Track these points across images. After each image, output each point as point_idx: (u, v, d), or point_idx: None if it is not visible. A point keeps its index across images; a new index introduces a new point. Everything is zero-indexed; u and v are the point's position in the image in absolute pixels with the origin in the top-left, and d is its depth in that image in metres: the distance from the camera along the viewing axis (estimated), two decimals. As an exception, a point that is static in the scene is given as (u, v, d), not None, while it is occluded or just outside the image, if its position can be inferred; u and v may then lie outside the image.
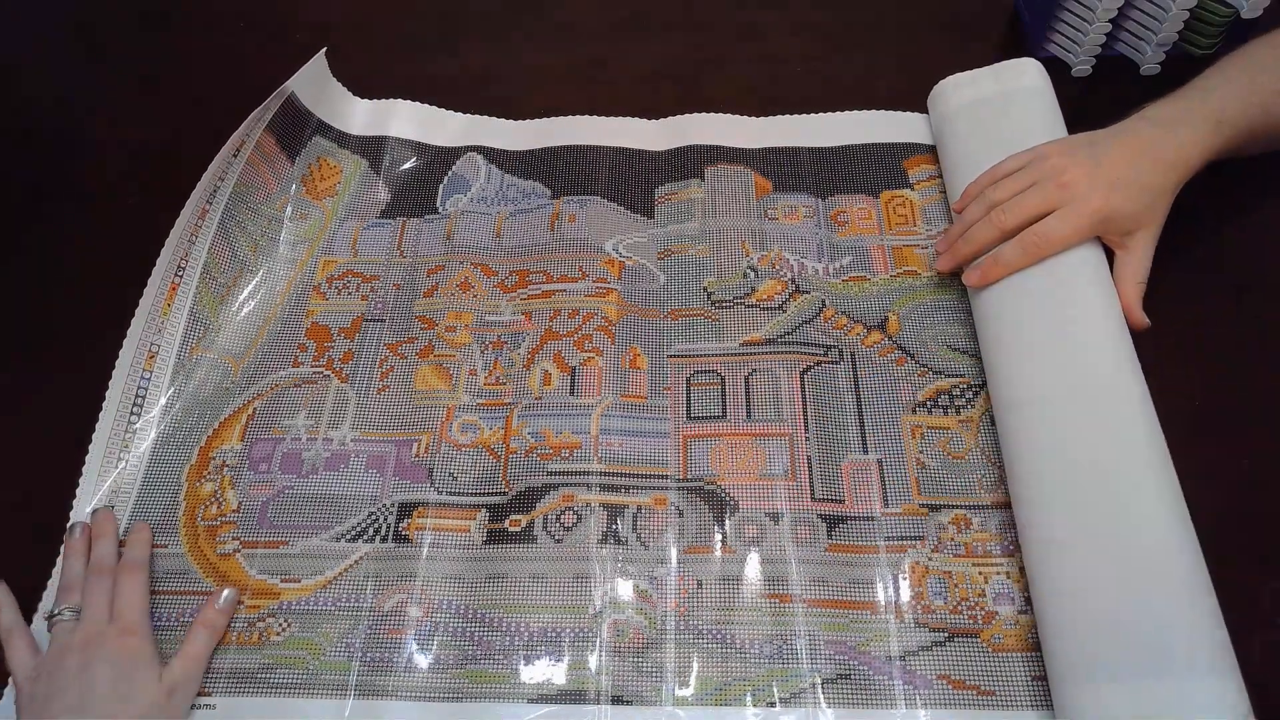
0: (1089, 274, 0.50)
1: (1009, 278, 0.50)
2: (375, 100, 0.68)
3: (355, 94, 0.68)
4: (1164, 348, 0.51)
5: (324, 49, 0.66)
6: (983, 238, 0.52)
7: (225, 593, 0.47)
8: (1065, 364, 0.47)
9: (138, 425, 0.53)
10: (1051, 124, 0.57)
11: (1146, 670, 0.39)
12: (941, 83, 0.61)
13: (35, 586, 0.48)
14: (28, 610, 0.47)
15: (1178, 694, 0.38)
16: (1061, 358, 0.47)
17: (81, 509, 0.50)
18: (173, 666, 0.44)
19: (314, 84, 0.65)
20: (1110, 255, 0.51)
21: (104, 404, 0.53)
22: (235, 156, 0.59)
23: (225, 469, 0.52)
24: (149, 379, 0.54)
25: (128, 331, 0.55)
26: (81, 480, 0.51)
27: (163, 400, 0.54)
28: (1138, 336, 0.49)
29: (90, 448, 0.51)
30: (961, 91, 0.60)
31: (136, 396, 0.53)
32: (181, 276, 0.57)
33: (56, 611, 0.45)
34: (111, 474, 0.51)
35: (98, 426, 0.52)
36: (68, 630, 0.44)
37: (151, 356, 0.54)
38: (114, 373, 0.53)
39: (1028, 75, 0.59)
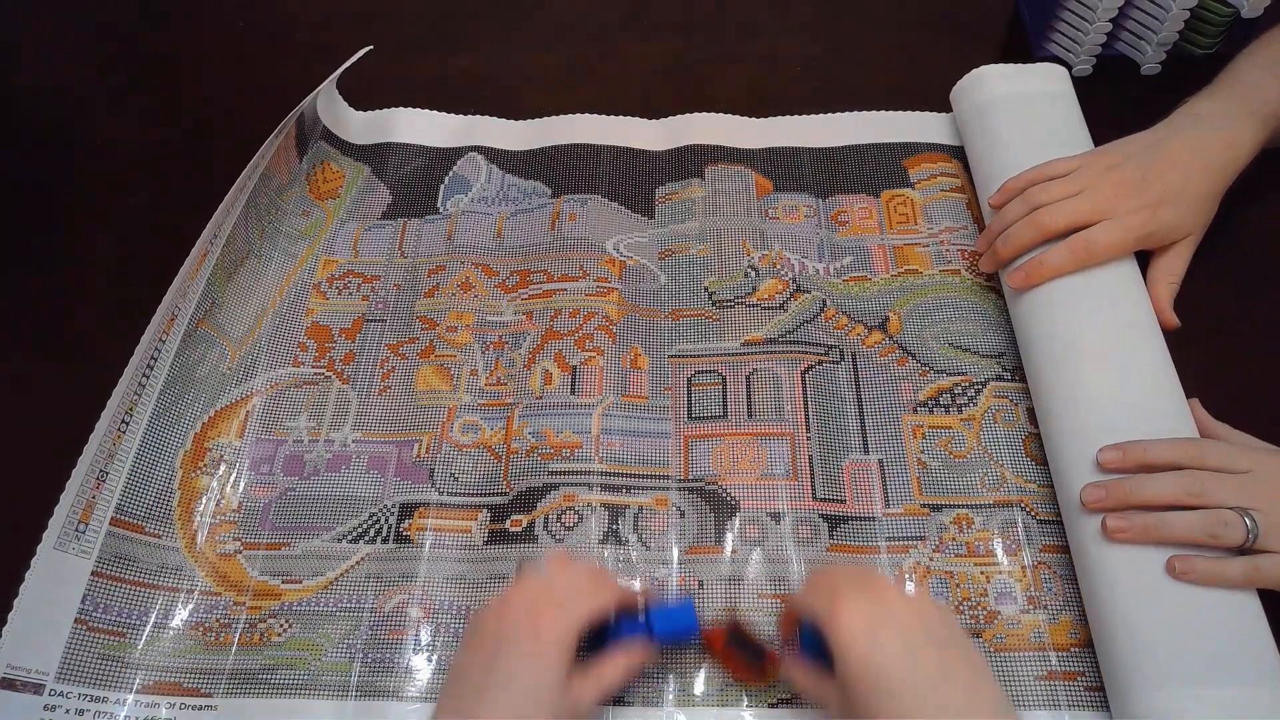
0: (1125, 275, 0.50)
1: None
2: (373, 111, 0.68)
3: (356, 94, 0.68)
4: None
5: (369, 48, 0.64)
6: (1024, 238, 0.51)
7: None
8: (1110, 367, 0.47)
9: (144, 390, 0.52)
10: (1083, 134, 0.57)
11: (1204, 676, 0.39)
12: (974, 72, 0.61)
13: (12, 583, 0.45)
14: (8, 606, 0.45)
15: (1240, 701, 0.38)
16: (1106, 360, 0.47)
17: (81, 469, 0.48)
18: (585, 690, 0.40)
19: (324, 91, 0.65)
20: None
21: (128, 364, 0.51)
22: (278, 138, 0.59)
23: (222, 463, 0.52)
24: (164, 343, 0.53)
25: (168, 291, 0.53)
26: (89, 440, 0.48)
27: (167, 370, 0.53)
28: (1178, 334, 0.49)
29: (107, 405, 0.49)
30: (997, 84, 0.59)
31: (151, 360, 0.52)
32: (213, 245, 0.56)
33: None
34: (111, 441, 0.50)
35: (117, 386, 0.50)
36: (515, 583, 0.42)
37: (172, 320, 0.53)
38: (148, 329, 0.52)
39: (1061, 80, 0.60)
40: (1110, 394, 0.46)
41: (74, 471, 0.47)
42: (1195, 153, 0.51)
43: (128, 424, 0.51)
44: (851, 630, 0.36)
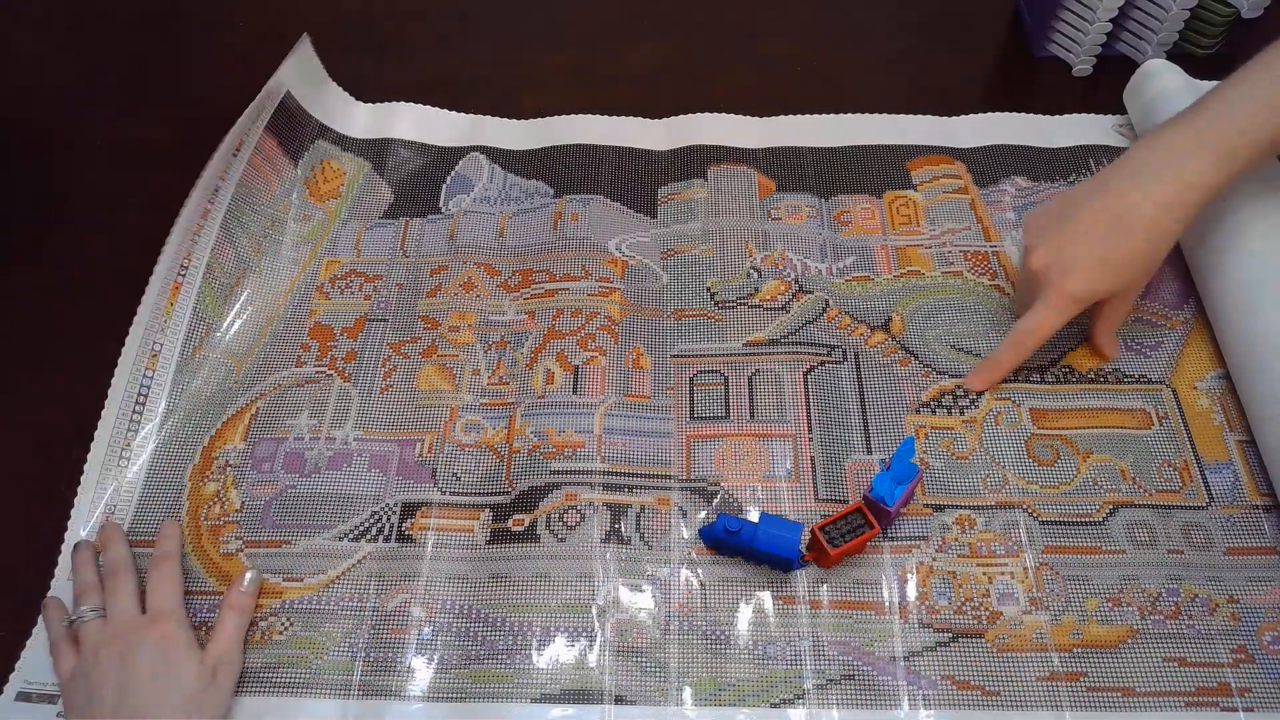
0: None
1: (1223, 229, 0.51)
2: (376, 104, 0.68)
3: (357, 94, 0.68)
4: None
5: (304, 35, 0.65)
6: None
7: (248, 575, 0.47)
8: None
9: (140, 426, 0.53)
10: None
11: None
12: (1154, 63, 0.60)
13: (33, 598, 0.47)
14: (31, 622, 0.47)
15: None
16: None
17: (82, 512, 0.50)
18: (210, 647, 0.44)
19: (309, 84, 0.65)
20: None
21: (105, 405, 0.52)
22: (235, 156, 0.59)
23: (228, 468, 0.52)
24: (151, 379, 0.54)
25: (130, 331, 0.54)
26: (82, 480, 0.50)
27: (164, 401, 0.54)
28: None
29: (92, 447, 0.51)
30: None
31: (139, 397, 0.53)
32: (184, 275, 0.56)
33: (77, 616, 0.45)
34: (113, 476, 0.51)
35: (99, 428, 0.52)
36: (97, 630, 0.44)
37: (154, 356, 0.54)
38: (115, 374, 0.53)
39: None
40: None
41: (72, 514, 0.49)
42: (1121, 212, 0.47)
43: (126, 461, 0.52)
44: None
